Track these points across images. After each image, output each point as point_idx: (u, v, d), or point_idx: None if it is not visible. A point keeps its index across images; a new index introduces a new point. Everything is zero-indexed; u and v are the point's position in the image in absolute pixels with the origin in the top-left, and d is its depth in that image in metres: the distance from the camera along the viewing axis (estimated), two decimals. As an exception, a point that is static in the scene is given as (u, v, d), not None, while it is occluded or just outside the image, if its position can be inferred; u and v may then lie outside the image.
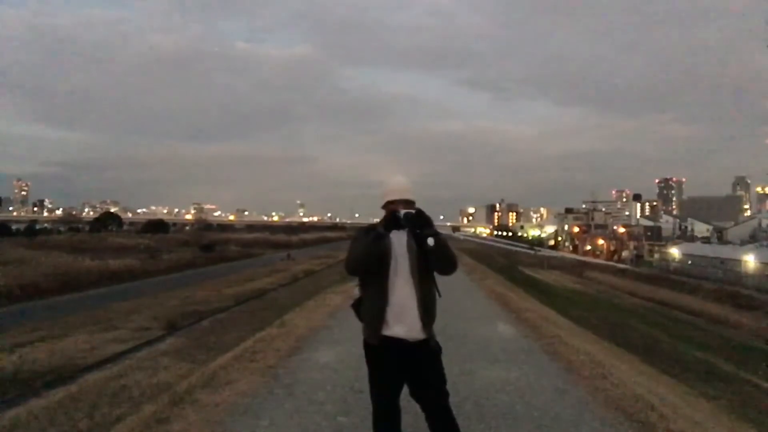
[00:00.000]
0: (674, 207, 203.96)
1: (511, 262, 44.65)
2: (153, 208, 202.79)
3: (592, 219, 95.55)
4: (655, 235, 74.56)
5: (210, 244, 48.57)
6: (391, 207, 2.84)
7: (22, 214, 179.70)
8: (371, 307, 2.82)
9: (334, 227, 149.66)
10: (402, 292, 2.77)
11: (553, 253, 79.02)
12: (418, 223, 2.76)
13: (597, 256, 76.05)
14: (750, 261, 44.19)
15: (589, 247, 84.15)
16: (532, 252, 72.45)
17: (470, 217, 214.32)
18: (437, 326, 2.85)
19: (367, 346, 2.85)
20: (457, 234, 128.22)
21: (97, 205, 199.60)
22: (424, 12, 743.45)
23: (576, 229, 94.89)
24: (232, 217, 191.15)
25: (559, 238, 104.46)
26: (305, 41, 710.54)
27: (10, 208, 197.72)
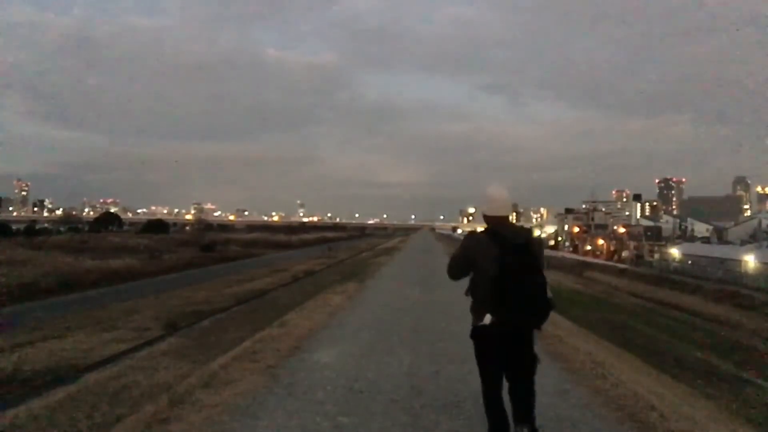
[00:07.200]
0: (674, 207, 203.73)
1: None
2: (153, 208, 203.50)
3: (592, 219, 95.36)
4: (655, 235, 74.31)
5: (210, 244, 48.53)
6: (488, 221, 3.16)
7: (22, 214, 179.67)
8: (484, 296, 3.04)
9: (335, 227, 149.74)
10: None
11: (553, 253, 78.95)
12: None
13: (597, 256, 76.01)
14: (750, 261, 44.17)
15: (589, 247, 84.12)
16: (532, 252, 72.16)
17: (470, 217, 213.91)
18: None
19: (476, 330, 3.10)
20: (456, 234, 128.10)
21: (97, 205, 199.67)
22: (448, 22, 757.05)
23: (576, 229, 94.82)
24: (232, 217, 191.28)
25: (559, 238, 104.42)
26: (331, 49, 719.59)
27: (10, 208, 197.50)
